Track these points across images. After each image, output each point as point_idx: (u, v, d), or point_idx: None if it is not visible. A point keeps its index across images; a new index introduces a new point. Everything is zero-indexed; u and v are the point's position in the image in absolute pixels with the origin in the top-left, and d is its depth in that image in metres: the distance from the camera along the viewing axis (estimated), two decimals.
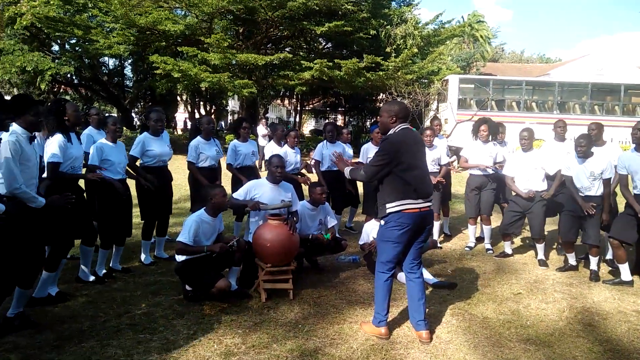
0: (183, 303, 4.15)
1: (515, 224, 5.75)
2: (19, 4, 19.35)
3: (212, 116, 33.18)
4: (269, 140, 7.12)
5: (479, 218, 6.33)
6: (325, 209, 5.16)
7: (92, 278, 4.57)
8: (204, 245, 4.18)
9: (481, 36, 36.86)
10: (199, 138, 5.64)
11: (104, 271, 4.76)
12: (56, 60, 20.66)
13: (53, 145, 4.05)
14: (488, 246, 6.24)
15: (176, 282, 4.50)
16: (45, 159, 4.06)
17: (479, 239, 6.54)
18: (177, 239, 4.23)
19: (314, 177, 6.48)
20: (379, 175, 3.54)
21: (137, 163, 5.15)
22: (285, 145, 6.34)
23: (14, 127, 3.46)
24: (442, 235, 6.96)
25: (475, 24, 36.46)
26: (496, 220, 6.93)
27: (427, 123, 17.81)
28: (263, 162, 12.07)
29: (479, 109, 17.66)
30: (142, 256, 5.29)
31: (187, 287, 4.24)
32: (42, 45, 22.65)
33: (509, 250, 6.00)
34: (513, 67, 36.15)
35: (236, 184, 5.72)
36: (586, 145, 5.09)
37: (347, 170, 3.85)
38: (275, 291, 4.38)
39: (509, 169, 5.81)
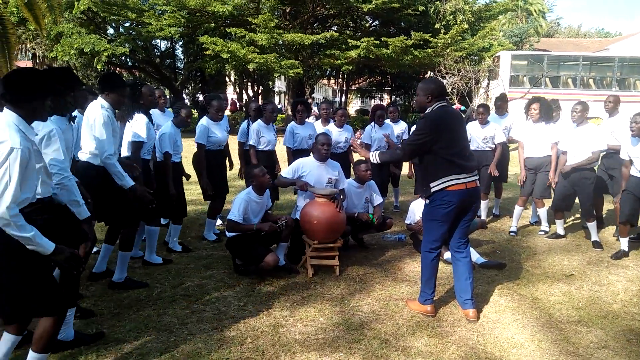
0: (234, 276, 4.31)
1: (567, 200, 5.57)
2: None
3: (260, 96, 33.60)
4: (316, 120, 7.15)
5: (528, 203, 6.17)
6: (371, 187, 5.18)
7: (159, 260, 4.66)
8: (254, 224, 4.31)
9: (535, 10, 35.19)
10: (259, 122, 5.72)
11: (179, 248, 5.02)
12: (111, 43, 21.41)
13: (140, 125, 4.20)
14: (545, 228, 6.06)
15: (227, 256, 4.67)
16: (129, 139, 4.21)
17: (532, 224, 6.37)
18: (227, 217, 4.37)
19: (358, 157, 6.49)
20: (417, 154, 3.54)
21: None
22: (331, 123, 6.36)
23: (101, 101, 3.60)
24: (491, 216, 6.84)
25: None
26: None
27: (476, 101, 17.32)
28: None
29: (532, 86, 17.00)
30: (207, 234, 5.49)
31: (237, 261, 4.41)
32: (98, 29, 23.47)
33: (561, 231, 5.82)
34: (569, 42, 34.38)
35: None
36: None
37: (374, 156, 3.83)
38: (321, 267, 4.48)
39: (563, 144, 5.63)
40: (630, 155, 5.06)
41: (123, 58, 24.21)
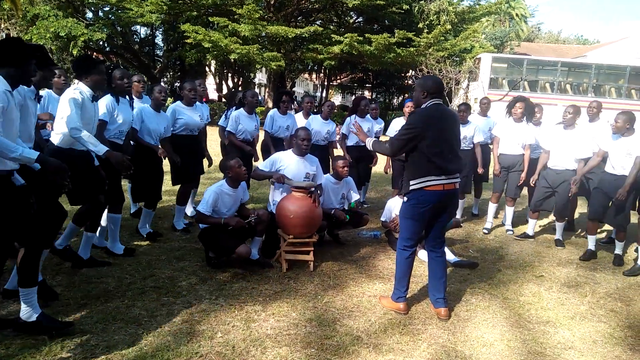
0: (206, 269, 4.25)
1: (546, 200, 5.66)
2: None
3: (240, 88, 33.27)
4: (295, 113, 7.12)
5: (500, 200, 6.25)
6: (349, 183, 5.17)
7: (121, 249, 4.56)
8: (222, 218, 4.25)
9: (517, 14, 35.69)
10: (241, 110, 5.71)
11: (150, 231, 4.97)
12: (89, 27, 20.91)
13: (101, 105, 4.11)
14: (509, 227, 6.17)
15: (200, 249, 4.60)
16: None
17: (504, 224, 6.47)
18: (197, 208, 4.31)
19: (338, 152, 6.48)
20: (404, 150, 3.50)
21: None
22: (314, 116, 6.37)
23: (79, 85, 3.58)
24: (470, 215, 6.92)
25: (512, 1, 35.27)
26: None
27: (456, 101, 17.48)
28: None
29: (511, 89, 17.26)
30: (176, 223, 5.40)
31: (210, 254, 4.34)
32: (76, 12, 22.91)
33: (530, 232, 5.92)
34: (549, 48, 34.98)
35: (265, 154, 5.77)
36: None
37: (369, 142, 3.83)
38: (296, 262, 4.45)
39: (546, 144, 5.67)
40: (608, 151, 5.07)
41: (101, 43, 23.70)
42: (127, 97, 4.49)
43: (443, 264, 3.66)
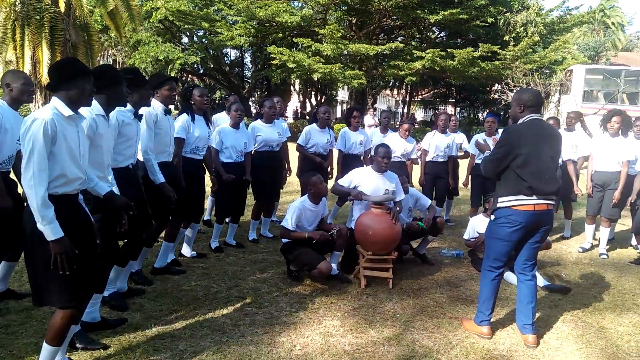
0: (287, 282, 4.36)
1: None
2: None
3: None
4: (375, 127, 7.18)
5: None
6: (412, 194, 5.12)
7: (193, 254, 4.90)
8: (306, 232, 4.35)
9: (613, 23, 33.28)
10: (313, 125, 5.90)
11: (217, 244, 5.17)
12: (185, 51, 22.51)
13: (177, 123, 4.38)
14: (603, 251, 5.71)
15: (282, 261, 4.73)
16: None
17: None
18: (281, 224, 4.44)
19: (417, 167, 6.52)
20: (499, 169, 3.32)
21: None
22: (392, 133, 6.39)
23: (153, 101, 3.85)
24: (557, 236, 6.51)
25: (607, 9, 32.98)
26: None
27: (545, 116, 16.58)
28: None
29: (607, 102, 16.06)
30: (250, 234, 5.63)
31: (291, 267, 4.45)
32: (173, 37, 24.78)
33: None
34: None
35: (344, 170, 5.84)
36: None
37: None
38: (374, 279, 4.43)
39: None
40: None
41: (195, 66, 25.33)
42: (202, 114, 4.64)
43: (533, 287, 3.45)
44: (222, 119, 5.87)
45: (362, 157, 6.22)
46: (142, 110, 3.63)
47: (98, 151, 2.90)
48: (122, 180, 3.21)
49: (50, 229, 2.33)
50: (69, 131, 2.48)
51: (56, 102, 2.48)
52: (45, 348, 2.50)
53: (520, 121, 3.35)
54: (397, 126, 6.62)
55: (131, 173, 3.48)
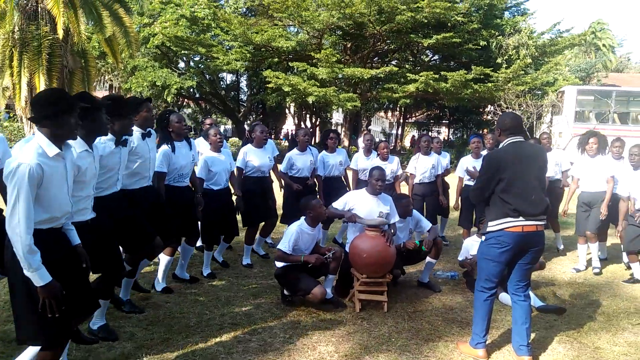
0: (281, 307, 4.32)
1: (638, 239, 5.23)
2: (152, 25, 21.68)
3: (317, 128, 34.18)
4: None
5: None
6: (415, 217, 5.13)
7: (187, 276, 4.90)
8: (301, 255, 4.34)
9: (604, 45, 33.90)
10: (294, 150, 5.94)
11: (209, 272, 5.11)
12: (181, 76, 22.72)
13: (158, 156, 4.21)
14: (596, 267, 5.76)
15: (275, 286, 4.70)
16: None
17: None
18: (277, 247, 4.43)
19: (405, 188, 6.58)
20: (484, 196, 3.38)
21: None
22: (374, 155, 6.43)
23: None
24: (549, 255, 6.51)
25: (598, 32, 33.62)
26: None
27: (537, 136, 16.75)
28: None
29: (599, 122, 16.26)
30: (244, 259, 5.59)
31: (285, 292, 4.42)
32: (170, 62, 25.03)
33: (638, 275, 5.42)
34: None
35: (328, 195, 5.84)
36: None
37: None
38: (369, 302, 4.40)
39: (625, 186, 5.38)
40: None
41: (191, 90, 25.55)
42: (184, 139, 4.53)
43: (527, 308, 3.44)
44: (201, 145, 5.81)
45: (342, 177, 6.31)
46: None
47: (83, 185, 2.82)
48: (102, 210, 3.11)
49: (37, 275, 2.27)
50: (56, 169, 2.41)
51: (40, 140, 2.37)
52: None
53: (500, 145, 3.41)
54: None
55: (111, 203, 3.36)
